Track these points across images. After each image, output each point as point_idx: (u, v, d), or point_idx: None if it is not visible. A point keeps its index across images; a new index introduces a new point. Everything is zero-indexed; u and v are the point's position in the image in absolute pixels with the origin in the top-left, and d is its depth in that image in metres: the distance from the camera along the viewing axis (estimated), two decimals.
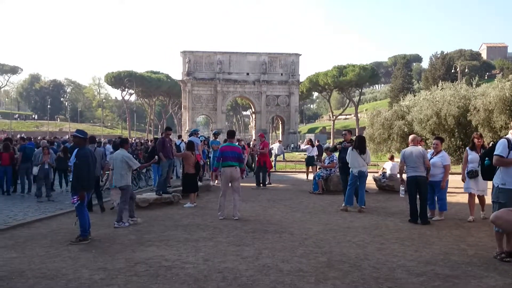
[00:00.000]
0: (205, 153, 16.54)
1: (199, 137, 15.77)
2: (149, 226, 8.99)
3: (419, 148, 9.42)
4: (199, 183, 13.02)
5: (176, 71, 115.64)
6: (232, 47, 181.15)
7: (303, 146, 23.52)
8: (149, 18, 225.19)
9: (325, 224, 9.18)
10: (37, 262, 6.32)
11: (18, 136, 38.28)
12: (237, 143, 12.05)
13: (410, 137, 9.91)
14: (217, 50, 58.66)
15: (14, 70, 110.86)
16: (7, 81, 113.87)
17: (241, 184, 10.45)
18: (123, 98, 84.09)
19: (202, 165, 14.59)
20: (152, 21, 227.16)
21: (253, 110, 62.36)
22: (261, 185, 15.95)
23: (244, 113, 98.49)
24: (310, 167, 19.19)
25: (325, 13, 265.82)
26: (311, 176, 19.61)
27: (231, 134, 10.53)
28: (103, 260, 6.41)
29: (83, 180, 7.52)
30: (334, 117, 71.49)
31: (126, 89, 77.95)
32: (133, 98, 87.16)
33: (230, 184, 9.95)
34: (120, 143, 9.90)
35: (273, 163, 20.85)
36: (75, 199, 7.52)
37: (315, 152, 19.09)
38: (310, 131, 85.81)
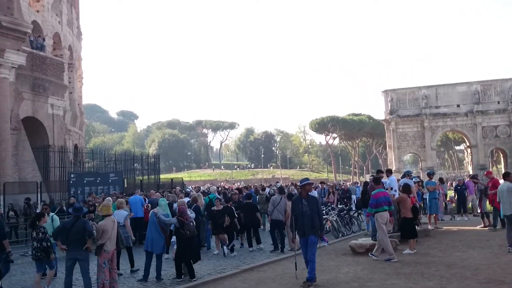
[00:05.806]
0: (419, 195, 15.58)
1: (412, 178, 15.00)
2: (369, 273, 8.76)
3: None
4: (417, 228, 12.23)
5: (378, 111, 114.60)
6: (437, 80, 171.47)
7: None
8: (349, 63, 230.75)
9: None
10: None
11: (238, 184, 43.19)
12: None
13: None
14: (421, 85, 56.13)
15: (232, 126, 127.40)
16: (227, 136, 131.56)
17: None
18: (327, 142, 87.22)
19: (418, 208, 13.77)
20: (351, 65, 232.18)
21: (467, 144, 56.79)
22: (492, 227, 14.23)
23: (457, 147, 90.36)
24: None
25: None
26: None
27: (377, 180, 10.92)
28: None
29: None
30: None
31: (330, 134, 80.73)
32: (336, 141, 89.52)
33: None
34: (505, 176, 11.25)
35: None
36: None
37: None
38: None
